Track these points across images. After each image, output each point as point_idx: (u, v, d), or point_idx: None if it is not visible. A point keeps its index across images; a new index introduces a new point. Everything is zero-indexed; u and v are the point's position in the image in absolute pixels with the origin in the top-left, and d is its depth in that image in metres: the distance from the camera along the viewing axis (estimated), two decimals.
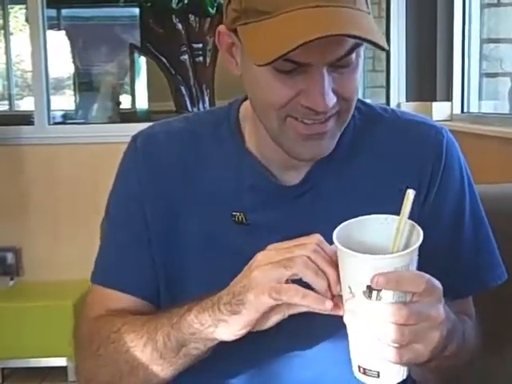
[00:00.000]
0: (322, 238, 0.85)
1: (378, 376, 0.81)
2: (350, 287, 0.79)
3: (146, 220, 1.04)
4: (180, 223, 1.04)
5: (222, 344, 0.90)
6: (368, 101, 1.10)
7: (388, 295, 0.77)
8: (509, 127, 2.53)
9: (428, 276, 0.79)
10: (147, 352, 0.95)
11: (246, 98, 1.05)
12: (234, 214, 1.01)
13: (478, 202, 1.07)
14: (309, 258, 0.82)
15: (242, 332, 0.87)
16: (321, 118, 0.91)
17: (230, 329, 0.87)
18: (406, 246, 0.80)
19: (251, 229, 1.01)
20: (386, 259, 0.77)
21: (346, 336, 0.83)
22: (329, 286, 0.83)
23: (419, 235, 0.79)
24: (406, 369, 0.83)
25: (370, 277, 0.76)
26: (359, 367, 0.82)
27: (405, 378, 0.83)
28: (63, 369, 3.03)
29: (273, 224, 1.00)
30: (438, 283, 0.80)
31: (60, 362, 3.03)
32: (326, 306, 0.81)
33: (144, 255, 1.05)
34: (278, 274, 0.83)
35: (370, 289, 0.77)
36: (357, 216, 0.83)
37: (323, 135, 0.93)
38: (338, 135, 0.97)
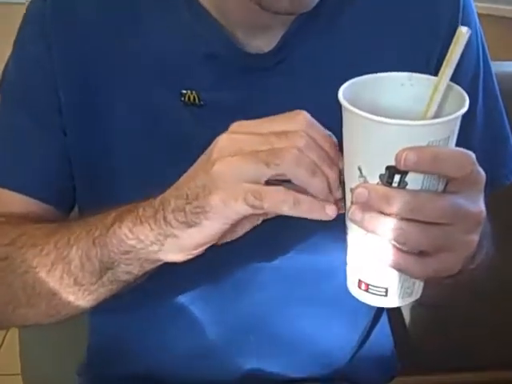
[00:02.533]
0: (310, 118, 0.60)
1: (386, 294, 0.60)
2: (360, 168, 0.56)
3: (57, 98, 0.79)
4: (108, 105, 0.78)
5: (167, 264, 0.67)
6: None
7: (416, 181, 0.54)
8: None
9: (474, 156, 0.56)
10: (55, 276, 0.70)
11: None
12: (184, 92, 0.77)
13: (493, 79, 0.86)
14: (300, 150, 0.58)
15: (199, 251, 0.64)
16: None
17: (181, 246, 0.63)
18: (438, 116, 0.57)
19: (206, 111, 0.77)
20: (421, 127, 0.53)
21: (338, 240, 0.62)
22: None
23: (463, 100, 0.56)
24: (421, 286, 0.62)
25: (394, 153, 0.53)
26: (360, 282, 0.61)
27: (417, 297, 0.62)
28: None
29: (235, 105, 0.76)
30: (481, 169, 0.57)
31: None
32: (329, 214, 0.58)
33: (50, 144, 0.80)
34: (257, 171, 0.58)
35: (391, 171, 0.54)
36: None
37: None
38: None
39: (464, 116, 0.57)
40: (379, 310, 0.94)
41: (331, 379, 0.90)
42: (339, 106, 0.56)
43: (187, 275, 0.78)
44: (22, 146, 0.81)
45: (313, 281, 0.84)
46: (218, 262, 0.77)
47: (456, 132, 0.56)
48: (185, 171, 0.64)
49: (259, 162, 0.58)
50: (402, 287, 0.60)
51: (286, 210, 0.58)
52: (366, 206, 0.54)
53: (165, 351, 0.87)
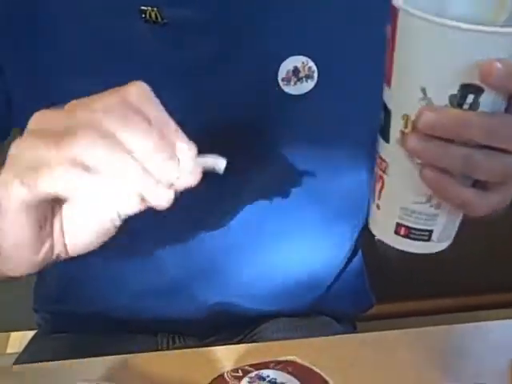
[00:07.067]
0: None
1: (428, 238, 0.54)
2: (424, 90, 0.49)
3: None
4: (55, 25, 0.70)
5: None
6: None
7: (487, 102, 0.48)
8: None
9: None
10: None
11: None
12: (144, 9, 0.69)
13: None
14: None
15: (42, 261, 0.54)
16: None
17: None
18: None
19: (169, 30, 0.69)
20: (507, 35, 0.46)
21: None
22: None
23: None
24: (456, 229, 0.56)
25: (468, 68, 0.46)
26: (399, 227, 0.55)
27: (450, 243, 0.57)
28: None
29: (201, 21, 0.69)
30: None
31: None
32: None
33: None
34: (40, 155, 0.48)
35: (465, 89, 0.47)
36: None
37: None
38: None
39: None
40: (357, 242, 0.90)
41: (306, 313, 0.87)
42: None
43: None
44: None
45: (288, 211, 0.80)
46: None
47: None
48: None
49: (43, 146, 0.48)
50: (445, 229, 0.55)
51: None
52: (428, 133, 0.48)
53: (123, 288, 0.83)
